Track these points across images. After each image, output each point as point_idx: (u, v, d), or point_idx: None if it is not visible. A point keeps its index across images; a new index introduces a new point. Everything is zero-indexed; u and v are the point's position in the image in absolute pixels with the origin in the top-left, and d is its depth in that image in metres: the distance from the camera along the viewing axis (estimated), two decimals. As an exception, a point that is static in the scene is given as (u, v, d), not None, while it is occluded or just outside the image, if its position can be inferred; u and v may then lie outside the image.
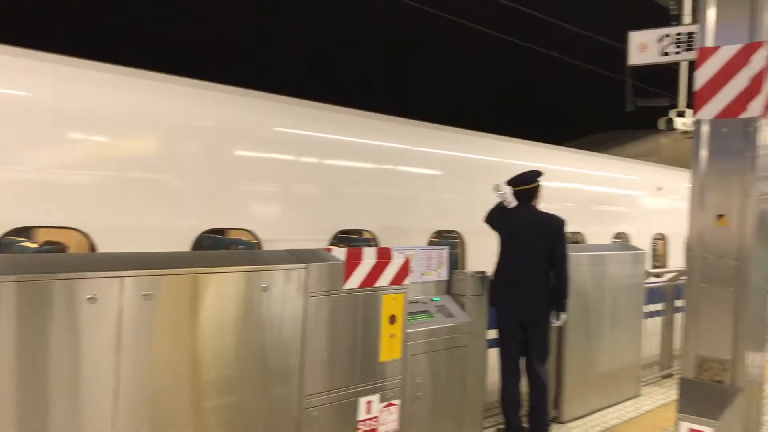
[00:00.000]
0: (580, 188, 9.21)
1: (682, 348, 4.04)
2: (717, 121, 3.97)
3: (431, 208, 6.67)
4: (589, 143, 12.56)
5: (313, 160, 5.62)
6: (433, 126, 7.50)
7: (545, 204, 5.40)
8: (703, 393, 3.84)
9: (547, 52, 13.92)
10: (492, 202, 5.51)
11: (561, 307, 5.15)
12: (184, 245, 4.40)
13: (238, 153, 5.02)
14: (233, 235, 5.01)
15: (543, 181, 5.40)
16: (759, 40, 3.90)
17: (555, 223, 5.19)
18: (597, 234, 8.93)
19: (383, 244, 5.70)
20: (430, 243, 6.37)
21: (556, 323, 5.22)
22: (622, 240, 9.29)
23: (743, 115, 3.90)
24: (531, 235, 5.16)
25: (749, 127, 3.89)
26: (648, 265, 9.00)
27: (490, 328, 5.12)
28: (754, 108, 3.88)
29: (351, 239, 5.81)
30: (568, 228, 5.46)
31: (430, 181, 6.87)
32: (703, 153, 3.99)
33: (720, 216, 3.90)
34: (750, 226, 3.82)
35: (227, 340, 3.39)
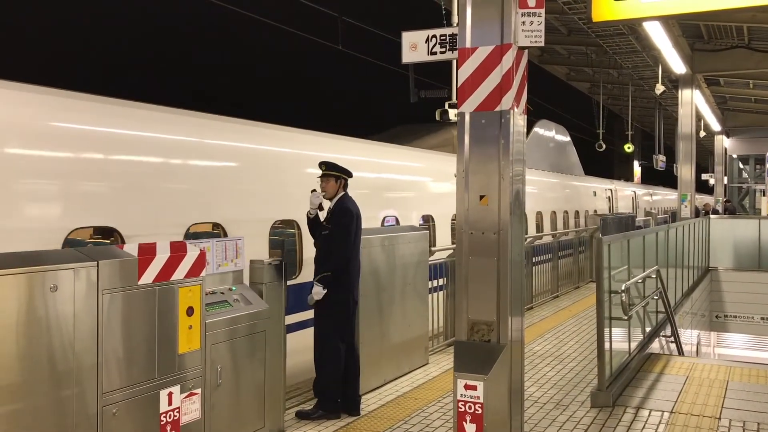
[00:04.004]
0: (415, 180, 10.33)
1: (456, 314, 4.56)
2: (477, 113, 4.51)
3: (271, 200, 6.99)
4: (392, 136, 13.55)
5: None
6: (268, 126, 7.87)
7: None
8: (474, 352, 4.37)
9: (353, 53, 14.61)
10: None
11: None
12: None
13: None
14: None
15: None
16: (508, 42, 4.48)
17: None
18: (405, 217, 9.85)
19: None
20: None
21: None
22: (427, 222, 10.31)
23: (498, 108, 4.46)
24: (361, 221, 5.74)
25: (503, 118, 4.46)
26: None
27: (288, 313, 5.37)
28: (506, 101, 4.45)
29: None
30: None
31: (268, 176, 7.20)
32: (466, 141, 4.51)
33: (482, 196, 4.44)
34: (506, 203, 4.40)
35: (11, 344, 3.27)
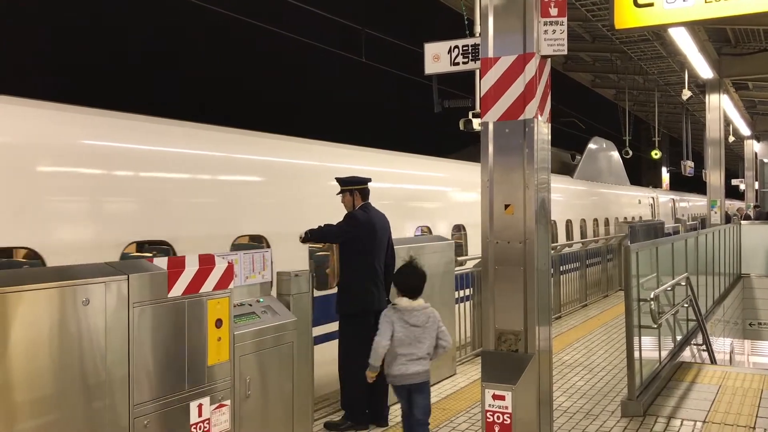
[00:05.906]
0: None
1: (483, 324, 4.55)
2: (500, 123, 4.51)
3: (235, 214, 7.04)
4: (465, 154, 14.25)
5: None
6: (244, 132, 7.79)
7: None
8: (502, 362, 4.36)
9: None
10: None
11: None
12: None
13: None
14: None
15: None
16: (531, 51, 4.48)
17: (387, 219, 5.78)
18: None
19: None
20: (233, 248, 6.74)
21: None
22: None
23: (522, 117, 4.46)
24: (385, 231, 5.68)
25: (527, 127, 4.46)
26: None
27: (315, 324, 5.39)
28: (530, 110, 4.45)
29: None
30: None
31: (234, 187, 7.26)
32: (491, 151, 4.52)
33: (507, 206, 4.44)
34: (531, 212, 4.39)
35: (44, 358, 3.33)
